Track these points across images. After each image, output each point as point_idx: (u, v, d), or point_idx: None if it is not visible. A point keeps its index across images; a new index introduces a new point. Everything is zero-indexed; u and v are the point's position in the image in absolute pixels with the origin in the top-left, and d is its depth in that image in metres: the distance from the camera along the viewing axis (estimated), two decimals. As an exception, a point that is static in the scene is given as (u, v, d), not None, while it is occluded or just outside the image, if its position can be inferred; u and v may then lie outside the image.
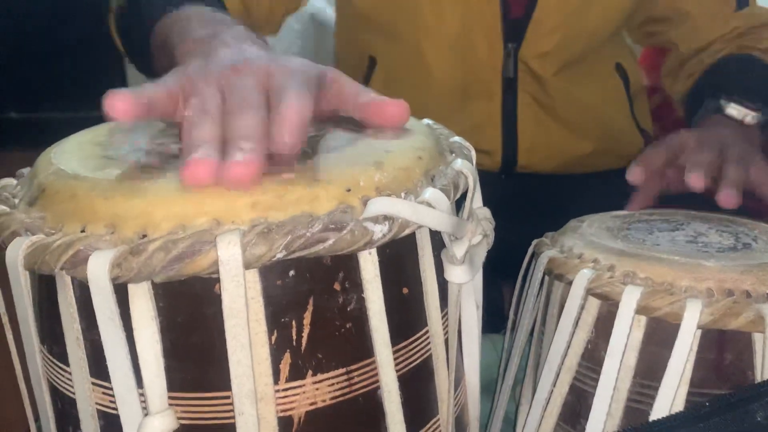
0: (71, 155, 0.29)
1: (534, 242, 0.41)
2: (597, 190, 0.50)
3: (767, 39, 0.63)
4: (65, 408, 0.27)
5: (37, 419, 0.30)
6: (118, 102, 0.26)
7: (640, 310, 0.33)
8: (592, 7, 0.62)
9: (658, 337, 0.33)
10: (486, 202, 0.32)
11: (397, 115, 0.29)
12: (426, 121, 0.33)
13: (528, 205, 0.61)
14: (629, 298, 0.33)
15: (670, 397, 0.33)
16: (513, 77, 0.62)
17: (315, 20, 1.22)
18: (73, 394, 0.26)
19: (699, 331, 0.33)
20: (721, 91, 0.55)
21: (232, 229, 0.23)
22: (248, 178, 0.24)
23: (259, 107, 0.26)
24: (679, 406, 0.33)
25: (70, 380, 0.26)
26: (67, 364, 0.26)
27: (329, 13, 1.14)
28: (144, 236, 0.23)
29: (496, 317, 0.44)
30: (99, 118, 0.29)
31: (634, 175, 0.47)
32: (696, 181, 0.44)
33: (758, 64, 0.62)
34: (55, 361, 0.27)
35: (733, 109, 0.53)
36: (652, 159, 0.48)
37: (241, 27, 0.34)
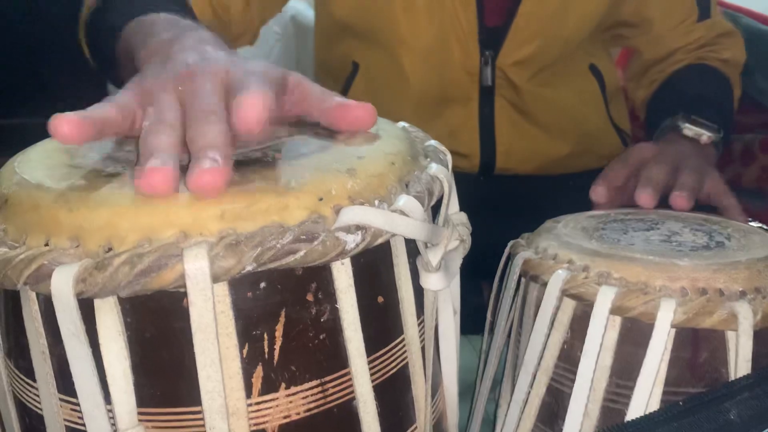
0: (36, 164, 0.28)
1: (510, 243, 0.41)
2: (576, 190, 0.50)
3: (727, 50, 0.65)
4: (33, 424, 0.27)
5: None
6: (63, 125, 0.24)
7: (614, 310, 0.33)
8: (569, 14, 0.62)
9: (633, 337, 0.34)
10: (465, 204, 0.31)
11: (362, 118, 0.28)
12: (402, 124, 0.32)
13: (508, 206, 0.61)
14: (603, 299, 0.33)
15: (646, 396, 0.33)
16: (491, 84, 0.63)
17: (295, 22, 1.21)
18: (41, 410, 0.26)
19: (673, 330, 0.33)
20: (679, 107, 0.57)
21: (199, 242, 0.22)
22: (217, 185, 0.23)
23: (220, 112, 0.25)
24: (654, 405, 0.33)
25: (38, 396, 0.26)
26: (34, 380, 0.26)
27: (310, 14, 1.13)
28: (109, 249, 0.23)
29: (478, 318, 0.44)
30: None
31: (598, 194, 0.48)
32: (645, 199, 0.45)
33: (717, 74, 0.64)
34: (21, 376, 0.26)
35: (689, 130, 0.55)
36: (614, 176, 0.49)
37: (204, 31, 0.33)
